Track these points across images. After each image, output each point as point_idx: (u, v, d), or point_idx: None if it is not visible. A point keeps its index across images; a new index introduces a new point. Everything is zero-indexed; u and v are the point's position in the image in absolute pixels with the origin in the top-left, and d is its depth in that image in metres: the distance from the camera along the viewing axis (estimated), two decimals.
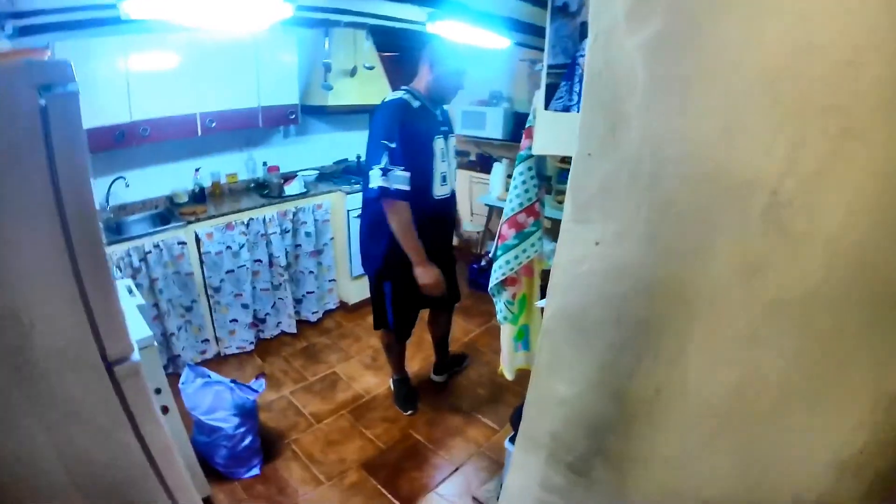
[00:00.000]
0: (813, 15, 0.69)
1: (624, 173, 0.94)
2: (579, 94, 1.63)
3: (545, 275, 1.64)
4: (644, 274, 0.96)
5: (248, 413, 2.71)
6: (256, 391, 2.75)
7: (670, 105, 0.86)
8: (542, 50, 1.75)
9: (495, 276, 2.22)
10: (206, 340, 3.77)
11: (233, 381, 2.71)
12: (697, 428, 0.94)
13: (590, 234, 1.02)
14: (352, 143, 5.10)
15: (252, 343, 3.99)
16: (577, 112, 1.53)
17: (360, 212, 3.35)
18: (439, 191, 2.78)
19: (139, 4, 1.87)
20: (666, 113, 0.86)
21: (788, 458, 0.85)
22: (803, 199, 0.75)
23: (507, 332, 2.43)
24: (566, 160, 3.35)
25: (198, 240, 3.53)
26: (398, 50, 5.08)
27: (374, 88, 4.54)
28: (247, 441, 2.71)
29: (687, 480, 0.97)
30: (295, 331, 4.32)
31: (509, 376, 2.48)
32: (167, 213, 3.74)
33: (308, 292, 4.43)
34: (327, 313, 4.63)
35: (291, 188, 4.19)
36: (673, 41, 0.83)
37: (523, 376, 2.15)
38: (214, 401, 2.65)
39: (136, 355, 1.45)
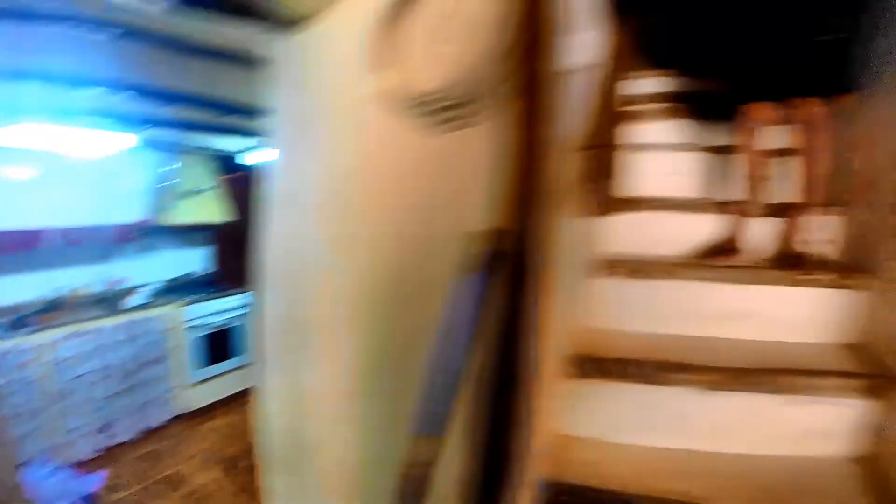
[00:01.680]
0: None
1: None
2: None
3: None
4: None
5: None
6: (95, 483, 3.33)
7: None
8: None
9: None
10: (53, 447, 4.07)
11: (74, 474, 3.27)
12: None
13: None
14: (196, 258, 5.94)
15: (97, 450, 4.54)
16: None
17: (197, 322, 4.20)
18: None
19: None
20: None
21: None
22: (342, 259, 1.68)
23: None
24: None
25: (44, 348, 4.13)
26: (237, 171, 6.06)
27: (215, 208, 5.50)
28: None
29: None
30: (139, 437, 4.86)
31: None
32: (15, 322, 4.16)
33: (149, 400, 4.98)
34: (169, 421, 5.17)
35: (135, 300, 4.94)
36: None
37: None
38: (57, 490, 3.25)
39: None
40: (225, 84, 3.48)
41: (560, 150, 1.31)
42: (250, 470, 4.26)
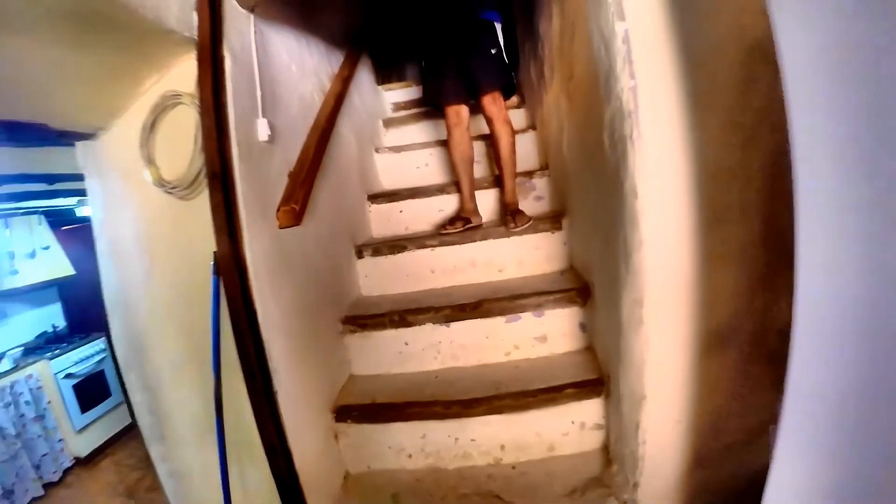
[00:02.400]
0: None
1: None
2: None
3: None
4: None
5: None
6: None
7: None
8: None
9: None
10: None
11: None
12: None
13: None
14: (49, 316, 6.24)
15: None
16: None
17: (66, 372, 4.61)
18: None
19: None
20: None
21: None
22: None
23: None
24: None
25: None
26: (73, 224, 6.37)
27: (55, 264, 5.85)
28: None
29: None
30: (42, 493, 5.10)
31: None
32: None
33: (43, 455, 5.23)
34: (66, 470, 5.45)
35: (1, 366, 5.24)
36: None
37: None
38: None
39: None
40: (46, 161, 3.92)
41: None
42: (154, 488, 4.56)
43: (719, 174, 1.66)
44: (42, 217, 5.76)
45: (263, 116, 2.05)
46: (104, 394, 5.79)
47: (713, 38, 1.61)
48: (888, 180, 0.93)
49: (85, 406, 5.55)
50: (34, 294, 5.95)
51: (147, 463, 4.47)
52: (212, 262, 1.89)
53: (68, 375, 5.45)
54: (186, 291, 2.12)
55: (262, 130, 2.02)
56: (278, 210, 2.06)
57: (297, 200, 2.09)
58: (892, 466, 1.05)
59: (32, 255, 5.67)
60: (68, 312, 6.30)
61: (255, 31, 2.14)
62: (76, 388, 5.50)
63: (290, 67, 2.54)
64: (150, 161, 2.02)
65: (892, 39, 0.90)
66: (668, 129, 1.63)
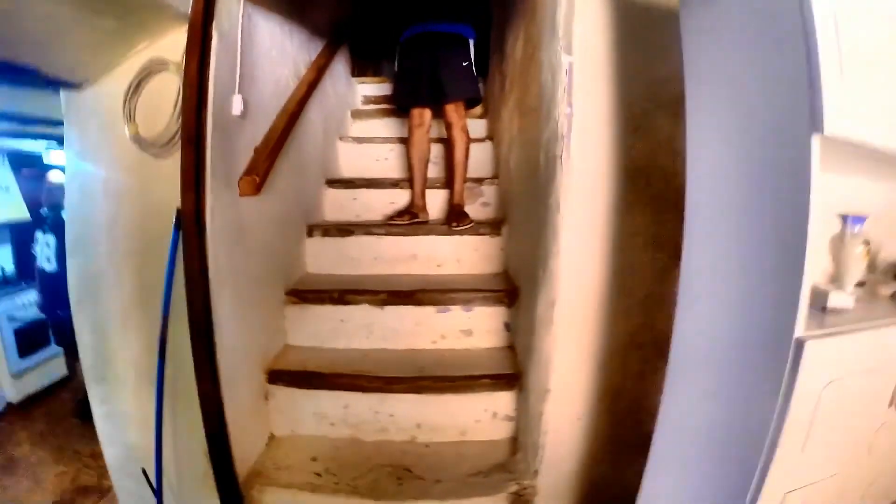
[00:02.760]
0: None
1: None
2: None
3: None
4: None
5: None
6: None
7: None
8: None
9: None
10: None
11: None
12: None
13: None
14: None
15: None
16: None
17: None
18: None
19: None
20: None
21: None
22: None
23: None
24: None
25: None
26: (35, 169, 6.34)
27: (11, 206, 5.83)
28: None
29: None
30: None
31: None
32: None
33: None
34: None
35: None
36: None
37: None
38: None
39: None
40: (24, 101, 4.03)
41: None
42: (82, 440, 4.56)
43: (632, 203, 1.96)
44: (4, 157, 5.72)
45: (239, 93, 2.24)
46: (44, 342, 5.71)
47: (640, 87, 1.88)
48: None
49: (23, 351, 5.53)
50: None
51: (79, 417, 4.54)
52: (174, 218, 2.07)
53: (11, 318, 5.45)
54: (145, 241, 2.32)
55: (237, 105, 2.22)
56: (240, 179, 2.24)
57: (258, 173, 2.29)
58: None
59: None
60: (18, 256, 6.19)
61: (244, 14, 2.34)
62: (17, 332, 5.49)
63: (270, 51, 2.72)
64: (130, 118, 2.20)
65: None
66: (594, 155, 1.91)
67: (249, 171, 2.31)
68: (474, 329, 2.82)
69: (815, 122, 1.06)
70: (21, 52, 2.06)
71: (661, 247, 1.93)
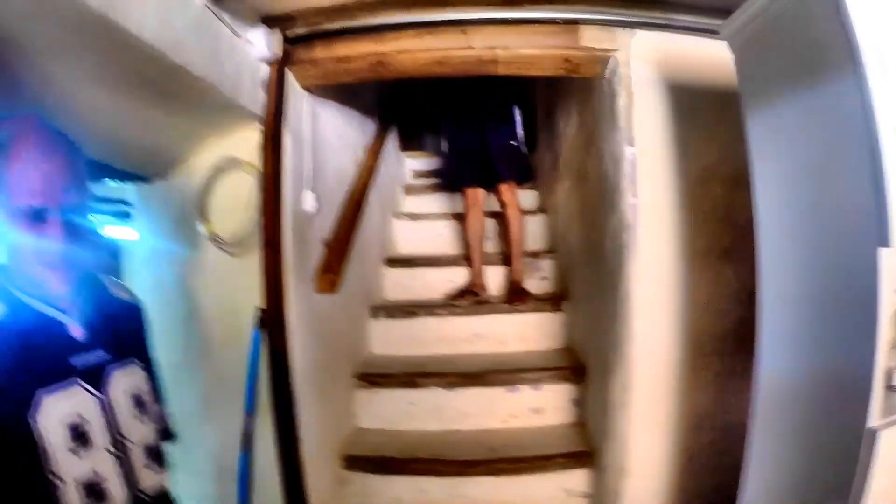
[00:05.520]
0: None
1: None
2: None
3: None
4: None
5: None
6: None
7: None
8: None
9: None
10: None
11: None
12: None
13: None
14: None
15: None
16: None
17: None
18: None
19: None
20: None
21: None
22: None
23: None
24: None
25: None
26: None
27: None
28: None
29: None
30: None
31: None
32: None
33: None
34: None
35: None
36: None
37: None
38: None
39: None
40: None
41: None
42: None
43: (699, 290, 2.03)
44: None
45: (311, 189, 2.37)
46: None
47: (700, 168, 1.97)
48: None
49: None
50: None
51: None
52: (255, 317, 2.19)
53: None
54: (222, 337, 2.41)
55: (310, 202, 2.35)
56: (318, 277, 2.37)
57: (335, 271, 2.40)
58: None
59: None
60: None
61: (310, 109, 2.49)
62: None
63: (332, 140, 2.85)
64: (204, 216, 2.32)
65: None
66: (661, 244, 1.99)
67: (326, 270, 2.42)
68: (543, 407, 2.86)
69: (881, 237, 1.06)
70: (96, 148, 2.16)
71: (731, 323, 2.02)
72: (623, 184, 2.00)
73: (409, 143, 5.27)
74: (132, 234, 2.56)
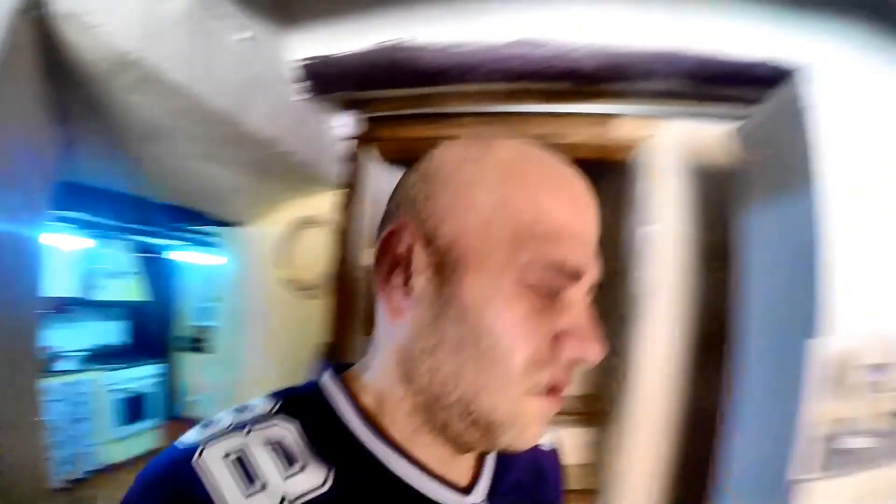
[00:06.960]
0: None
1: None
2: None
3: None
4: None
5: None
6: None
7: None
8: None
9: None
10: None
11: None
12: None
13: None
14: (114, 331, 6.86)
15: None
16: None
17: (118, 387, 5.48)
18: None
19: None
20: None
21: None
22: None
23: None
24: None
25: None
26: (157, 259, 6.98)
27: (133, 289, 6.62)
28: None
29: None
30: (66, 486, 5.25)
31: None
32: None
33: (76, 453, 5.49)
34: (92, 472, 5.69)
35: (67, 364, 5.68)
36: None
37: None
38: None
39: None
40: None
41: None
42: None
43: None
44: (133, 245, 6.32)
45: (371, 247, 2.71)
46: (140, 414, 6.28)
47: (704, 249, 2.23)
48: None
49: (121, 421, 6.04)
50: (107, 309, 6.67)
51: None
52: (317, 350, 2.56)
53: (117, 390, 5.99)
54: (291, 373, 2.76)
55: (368, 258, 2.70)
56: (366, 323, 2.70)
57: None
58: None
59: (116, 275, 6.36)
60: (132, 332, 6.97)
61: (376, 174, 2.76)
62: (120, 402, 6.02)
63: (384, 196, 3.17)
64: (284, 264, 2.73)
65: None
66: (667, 317, 2.27)
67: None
68: None
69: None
70: (193, 200, 2.62)
71: None
72: (634, 258, 2.24)
73: None
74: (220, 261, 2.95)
